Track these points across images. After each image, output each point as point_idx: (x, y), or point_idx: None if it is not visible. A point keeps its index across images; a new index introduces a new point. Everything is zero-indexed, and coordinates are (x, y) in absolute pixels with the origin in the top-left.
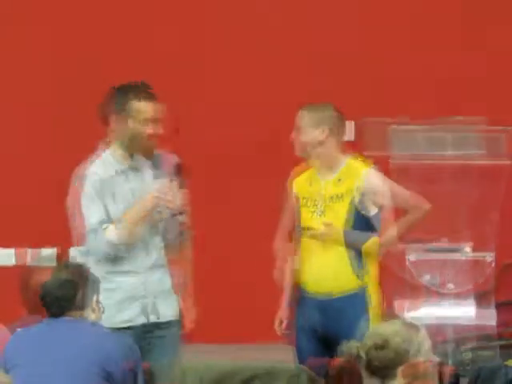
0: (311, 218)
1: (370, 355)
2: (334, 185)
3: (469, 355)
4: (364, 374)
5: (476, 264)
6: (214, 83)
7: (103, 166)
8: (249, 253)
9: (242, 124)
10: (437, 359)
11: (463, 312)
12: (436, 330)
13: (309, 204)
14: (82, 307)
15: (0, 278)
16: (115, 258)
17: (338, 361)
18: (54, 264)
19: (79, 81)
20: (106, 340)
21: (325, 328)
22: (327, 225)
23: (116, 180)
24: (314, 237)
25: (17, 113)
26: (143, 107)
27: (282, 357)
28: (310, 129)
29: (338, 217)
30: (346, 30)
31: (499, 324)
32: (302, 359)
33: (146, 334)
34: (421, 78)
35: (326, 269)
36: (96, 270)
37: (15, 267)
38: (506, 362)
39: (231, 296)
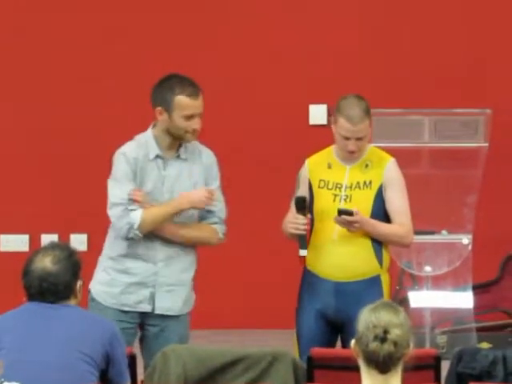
0: (333, 202)
1: (371, 348)
2: (360, 171)
3: (444, 339)
4: (364, 366)
5: (453, 246)
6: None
7: (141, 148)
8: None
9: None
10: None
11: (440, 296)
12: (413, 314)
13: (330, 186)
14: (75, 294)
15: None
16: (131, 241)
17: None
18: (55, 250)
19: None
20: (89, 325)
21: (337, 311)
22: (356, 213)
23: (151, 164)
24: (341, 224)
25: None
26: (187, 103)
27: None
28: (368, 130)
29: (365, 204)
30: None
31: (476, 307)
32: (306, 337)
33: (147, 322)
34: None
35: (346, 254)
36: (110, 249)
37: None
38: (479, 345)
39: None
